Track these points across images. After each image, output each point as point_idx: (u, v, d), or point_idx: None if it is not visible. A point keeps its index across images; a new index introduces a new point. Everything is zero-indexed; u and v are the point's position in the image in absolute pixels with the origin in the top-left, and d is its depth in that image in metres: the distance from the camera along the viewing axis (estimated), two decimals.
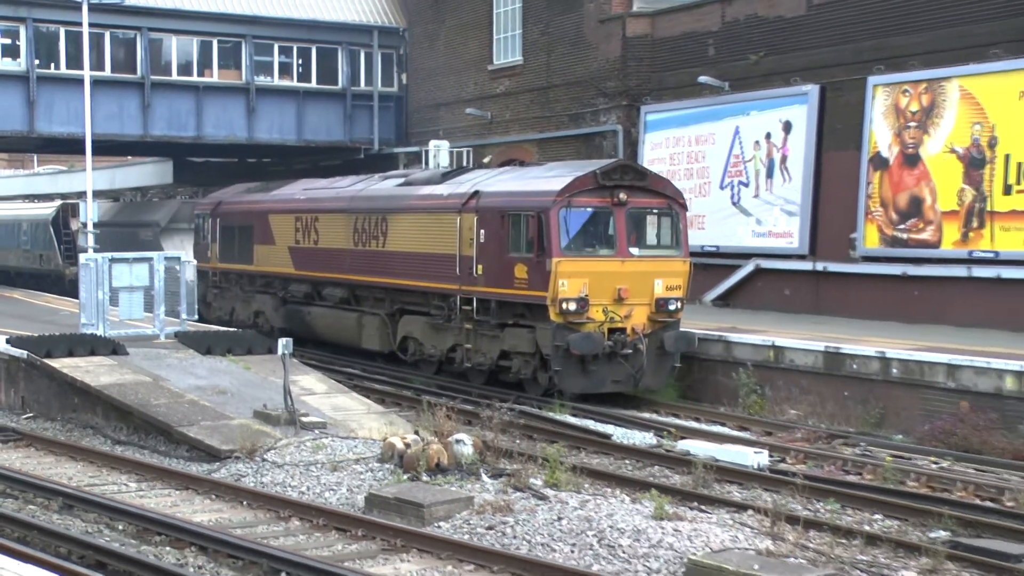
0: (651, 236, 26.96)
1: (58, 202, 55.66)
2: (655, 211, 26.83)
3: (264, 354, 27.27)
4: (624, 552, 15.33)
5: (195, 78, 50.76)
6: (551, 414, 25.79)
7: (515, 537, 16.14)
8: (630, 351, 25.19)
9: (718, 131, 38.64)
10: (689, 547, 15.24)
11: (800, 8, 37.31)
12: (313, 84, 52.98)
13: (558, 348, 25.08)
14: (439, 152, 47.50)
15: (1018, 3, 30.83)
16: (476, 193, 28.03)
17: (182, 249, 42.50)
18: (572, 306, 24.96)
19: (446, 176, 31.39)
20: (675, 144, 39.18)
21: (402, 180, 33.13)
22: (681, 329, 27.56)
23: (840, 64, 35.31)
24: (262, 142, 53.03)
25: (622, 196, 25.77)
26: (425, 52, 53.18)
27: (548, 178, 27.03)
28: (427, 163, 47.04)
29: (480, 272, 27.34)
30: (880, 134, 33.19)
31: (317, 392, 25.28)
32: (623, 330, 25.49)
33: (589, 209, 25.94)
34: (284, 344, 24.04)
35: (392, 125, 54.03)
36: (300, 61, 52.75)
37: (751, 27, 38.67)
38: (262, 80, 51.92)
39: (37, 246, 50.18)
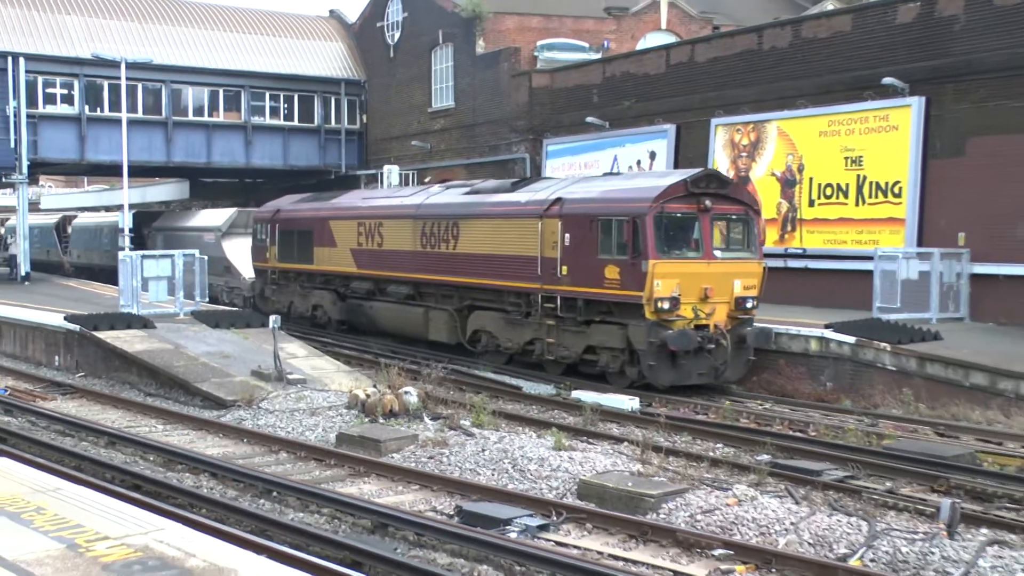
0: (731, 240, 23.44)
1: (131, 211, 54.51)
2: (734, 216, 23.33)
3: (259, 327, 27.08)
4: (532, 474, 15.45)
5: (206, 118, 50.97)
6: (477, 371, 25.87)
7: (450, 464, 16.30)
8: (714, 346, 21.95)
9: (601, 158, 38.76)
10: (580, 470, 15.24)
11: (661, 67, 37.68)
12: (295, 122, 53.16)
13: (652, 344, 21.71)
14: (391, 174, 47.86)
15: (817, 67, 31.35)
16: (559, 200, 24.30)
17: (240, 250, 40.73)
18: (666, 305, 21.54)
19: (516, 185, 27.48)
20: (569, 168, 39.26)
21: (468, 189, 29.30)
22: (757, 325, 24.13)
23: (690, 109, 35.63)
24: (257, 166, 53.25)
25: (707, 203, 22.43)
26: (380, 98, 53.29)
27: (637, 186, 23.48)
28: (382, 183, 47.32)
29: (565, 272, 23.57)
30: (720, 161, 33.44)
31: (299, 356, 25.27)
32: (706, 326, 22.08)
33: (679, 214, 22.55)
34: (274, 320, 24.23)
35: (355, 153, 54.26)
36: (285, 105, 52.97)
37: (624, 81, 38.95)
38: (257, 119, 52.07)
39: (114, 247, 48.17)
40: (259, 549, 10.14)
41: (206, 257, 39.17)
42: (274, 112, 52.58)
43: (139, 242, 46.45)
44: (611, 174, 27.88)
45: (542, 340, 24.74)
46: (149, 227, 49.61)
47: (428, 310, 28.98)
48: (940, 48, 28.30)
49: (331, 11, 57.96)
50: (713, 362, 22.24)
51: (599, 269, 22.63)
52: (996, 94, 27.04)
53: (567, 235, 23.57)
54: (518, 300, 25.45)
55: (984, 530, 12.88)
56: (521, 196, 26.00)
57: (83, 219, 58.55)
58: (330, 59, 54.34)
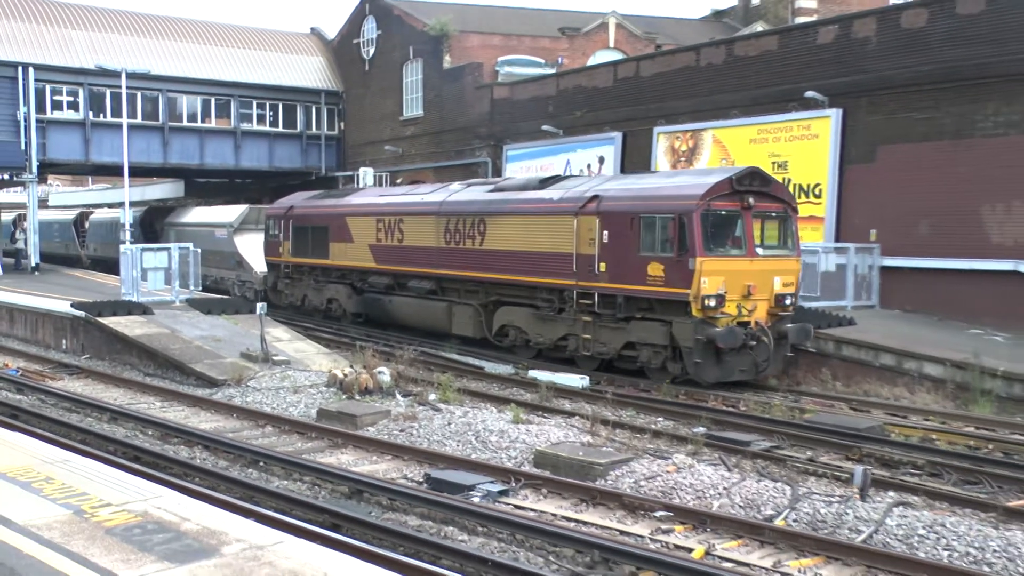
0: (771, 237, 21.29)
1: (144, 209, 53.15)
2: (773, 214, 21.21)
3: (247, 314, 26.93)
4: (493, 445, 15.48)
5: (199, 124, 50.75)
6: (443, 353, 25.70)
7: (419, 436, 16.29)
8: (755, 343, 19.99)
9: (555, 162, 38.76)
10: (536, 441, 15.26)
11: (609, 81, 37.73)
12: (280, 128, 52.98)
13: (698, 341, 19.59)
14: (366, 176, 47.76)
15: (748, 81, 31.50)
16: (595, 197, 21.95)
17: (251, 245, 38.47)
18: (712, 302, 19.49)
19: (544, 183, 24.95)
20: (526, 171, 39.24)
21: (492, 187, 26.82)
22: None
23: (635, 118, 35.71)
24: (245, 168, 53.05)
25: (751, 200, 20.41)
26: (356, 107, 53.17)
27: (682, 184, 21.19)
28: (358, 183, 47.12)
29: (603, 269, 21.39)
30: (662, 165, 33.50)
31: (283, 339, 25.14)
32: (748, 323, 20.03)
33: (724, 212, 20.33)
34: (261, 307, 24.28)
35: (334, 157, 54.25)
36: (271, 113, 52.76)
37: (577, 93, 38.99)
38: (245, 126, 51.87)
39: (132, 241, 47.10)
40: (247, 513, 10.10)
41: (216, 250, 38.94)
42: (260, 119, 52.46)
43: (152, 237, 45.69)
44: (647, 172, 25.08)
45: (577, 336, 22.59)
46: (162, 223, 48.40)
47: (452, 305, 26.75)
48: (855, 66, 28.53)
49: (312, 28, 57.89)
50: (755, 358, 20.31)
51: (641, 266, 20.58)
52: (903, 107, 27.30)
53: (605, 232, 21.46)
54: (550, 296, 23.26)
55: (891, 493, 13.02)
56: (552, 193, 23.80)
57: (99, 215, 57.46)
58: (311, 72, 54.25)
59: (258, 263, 37.54)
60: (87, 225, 58.92)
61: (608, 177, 24.20)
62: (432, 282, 27.38)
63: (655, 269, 20.30)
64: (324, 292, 32.63)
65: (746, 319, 19.94)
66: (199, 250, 31.58)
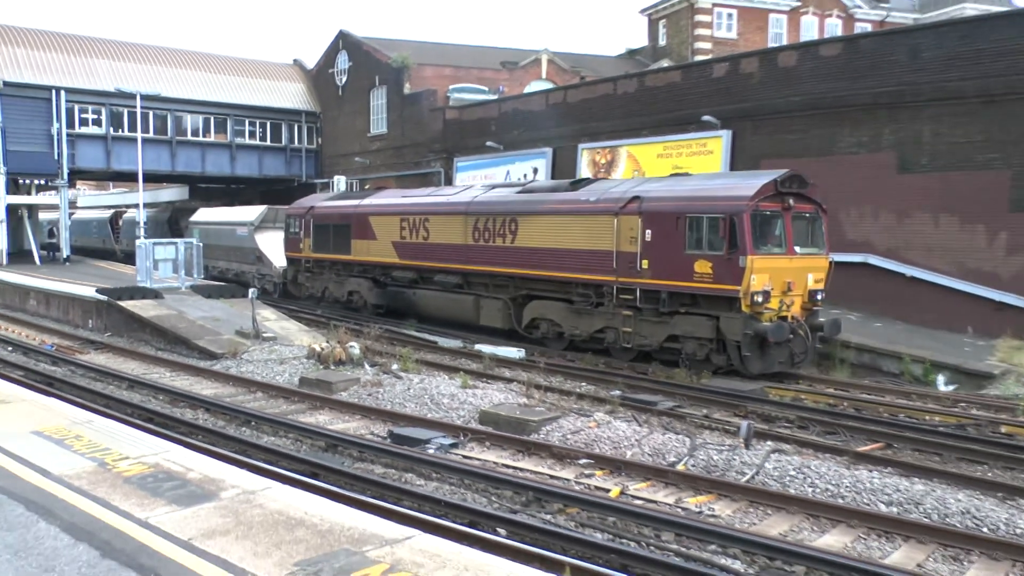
0: (805, 236, 19.26)
1: (172, 208, 51.98)
2: (807, 215, 19.27)
3: (242, 298, 26.64)
4: (445, 406, 15.47)
5: (200, 138, 50.41)
6: (404, 330, 25.41)
7: (383, 399, 16.25)
8: (792, 336, 18.11)
9: (497, 172, 38.74)
10: (481, 403, 15.29)
11: (542, 106, 37.79)
12: (268, 143, 52.67)
13: (747, 335, 17.75)
14: (339, 182, 47.58)
15: (656, 107, 31.76)
16: (636, 198, 19.86)
17: (270, 242, 36.51)
18: (760, 298, 17.73)
19: (576, 185, 22.69)
20: (473, 180, 39.22)
21: (519, 189, 24.45)
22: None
23: (563, 137, 35.80)
24: (239, 176, 52.70)
25: (791, 201, 18.61)
26: (331, 125, 52.87)
27: (729, 185, 19.09)
28: (333, 188, 46.86)
29: (646, 266, 19.31)
30: (586, 175, 33.64)
31: (271, 319, 24.87)
32: (786, 318, 18.13)
33: (768, 212, 18.36)
34: (252, 293, 23.88)
35: (313, 166, 54.00)
36: (260, 130, 52.39)
37: (516, 115, 38.99)
38: (239, 140, 51.52)
39: (155, 236, 45.34)
40: (241, 464, 10.07)
41: (237, 247, 37.81)
42: (252, 135, 52.20)
43: (178, 233, 44.79)
44: (682, 176, 22.25)
45: (615, 329, 20.40)
46: (186, 221, 46.87)
47: (479, 298, 24.38)
48: (742, 96, 28.86)
49: (294, 60, 57.44)
50: (792, 350, 18.51)
51: (687, 264, 18.52)
52: (779, 129, 27.68)
53: (648, 231, 19.37)
54: (586, 291, 21.03)
55: (769, 442, 13.23)
56: (586, 195, 21.54)
57: (131, 214, 56.31)
58: (294, 96, 54.10)
59: (277, 258, 35.77)
60: (120, 223, 57.78)
61: (642, 180, 21.87)
62: (459, 277, 25.11)
63: (703, 266, 18.33)
64: (345, 285, 30.29)
65: (784, 314, 18.20)
66: (201, 244, 31.27)
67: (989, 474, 12.17)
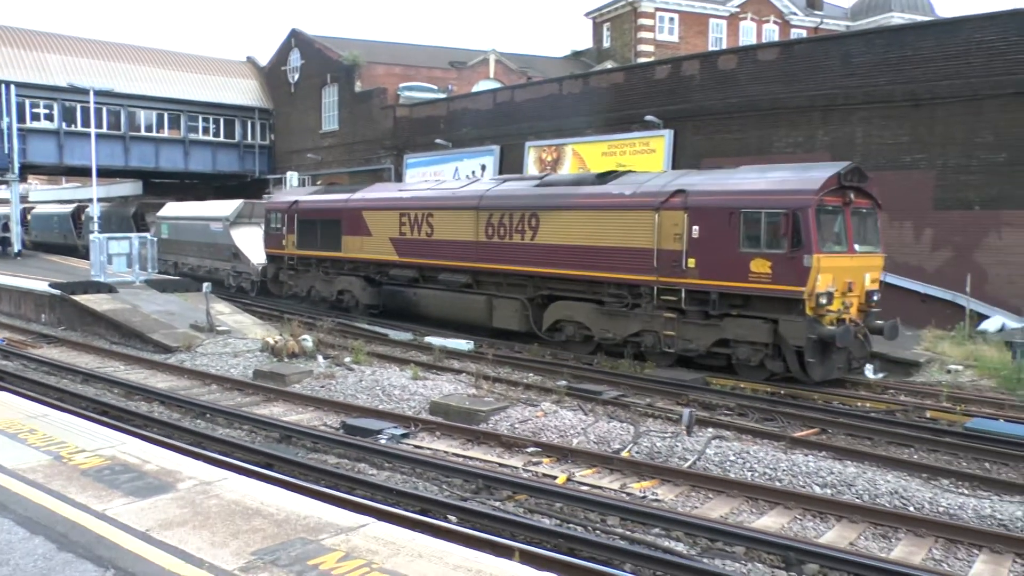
0: (863, 233, 17.21)
1: (138, 203, 49.91)
2: (864, 211, 17.26)
3: (196, 292, 26.22)
4: (396, 397, 15.41)
5: (154, 134, 49.69)
6: (356, 323, 25.09)
7: (336, 391, 16.14)
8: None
9: (446, 169, 38.69)
10: (431, 394, 15.25)
11: (490, 105, 37.84)
12: (221, 139, 52.14)
13: (811, 340, 15.89)
14: (292, 178, 47.15)
15: (600, 107, 31.93)
16: (680, 192, 17.73)
17: (247, 237, 33.94)
18: (824, 300, 15.84)
19: (603, 178, 20.37)
20: (422, 176, 39.12)
21: (537, 182, 22.10)
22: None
23: (511, 135, 35.86)
24: (193, 171, 51.98)
25: (852, 196, 16.67)
26: (284, 122, 52.41)
27: (790, 178, 16.79)
28: (286, 185, 46.43)
29: (692, 265, 17.29)
30: (532, 172, 33.75)
31: (225, 313, 24.57)
32: (844, 320, 16.36)
33: (830, 208, 16.38)
34: (207, 287, 23.57)
35: (266, 162, 53.56)
36: (214, 126, 51.83)
37: (464, 114, 38.96)
38: (192, 136, 50.90)
39: (120, 231, 41.82)
40: (198, 456, 9.93)
41: (211, 243, 35.37)
42: (205, 130, 51.61)
43: (143, 229, 42.25)
44: (730, 169, 19.57)
45: (655, 332, 18.38)
46: (153, 216, 43.96)
47: (492, 298, 22.20)
48: (683, 97, 29.15)
49: (248, 57, 56.81)
50: (849, 355, 16.86)
51: (742, 263, 16.57)
52: (719, 129, 28.02)
53: (695, 227, 17.36)
54: (620, 291, 19.03)
55: (710, 429, 13.38)
56: (619, 188, 19.45)
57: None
58: (247, 92, 53.53)
59: (255, 255, 33.33)
60: (83, 218, 56.54)
61: (681, 173, 19.58)
62: (468, 276, 22.82)
63: (760, 266, 16.37)
64: (335, 284, 27.77)
65: (843, 316, 16.48)
66: (156, 239, 30.65)
67: (915, 456, 12.49)
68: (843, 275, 16.37)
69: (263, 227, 31.56)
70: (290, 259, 29.68)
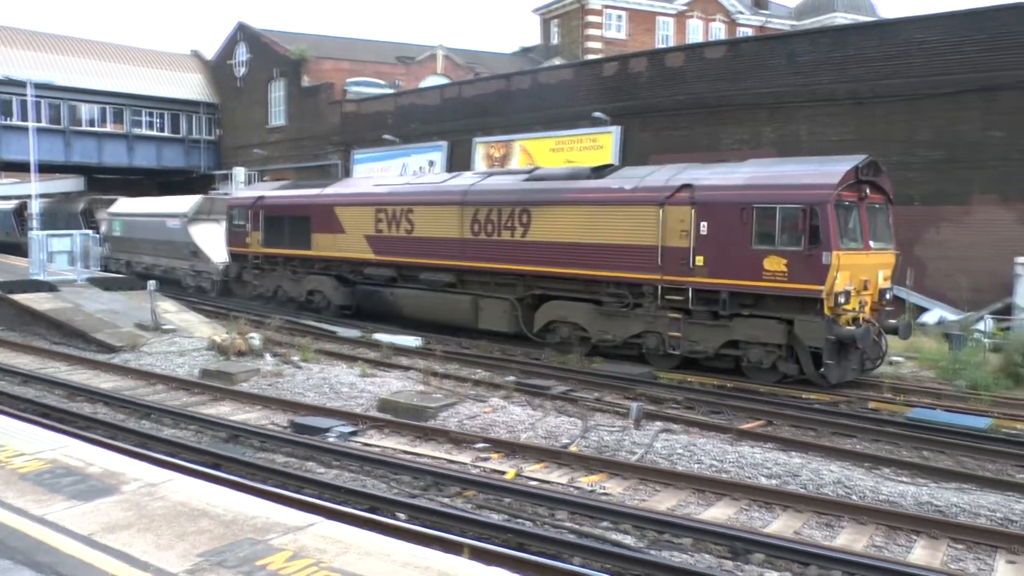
0: (876, 229, 16.47)
1: (87, 199, 48.13)
2: (877, 205, 16.57)
3: (140, 290, 25.74)
4: (345, 395, 15.31)
5: (96, 128, 48.89)
6: (304, 320, 24.67)
7: (284, 389, 15.96)
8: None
9: (394, 165, 38.57)
10: (380, 391, 15.17)
11: (437, 100, 37.78)
12: (166, 133, 51.46)
13: (829, 341, 15.22)
14: (239, 174, 46.58)
15: (548, 103, 32.05)
16: (687, 186, 16.91)
17: (207, 235, 32.33)
18: (842, 299, 15.23)
19: (600, 172, 19.41)
20: (369, 172, 38.94)
21: (527, 176, 20.88)
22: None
23: (459, 131, 35.84)
24: (137, 167, 51.18)
25: (867, 191, 15.99)
26: (230, 117, 51.82)
27: (805, 172, 16.07)
28: (232, 180, 45.94)
29: (701, 263, 16.50)
30: (480, 168, 33.75)
31: (171, 311, 24.16)
32: (857, 319, 15.73)
33: (847, 203, 15.67)
34: (152, 285, 23.17)
35: (212, 158, 52.91)
36: (158, 120, 51.15)
37: (412, 109, 38.85)
38: (136, 131, 50.16)
39: (68, 228, 40.89)
40: (143, 457, 9.78)
41: (168, 240, 33.50)
42: (150, 125, 50.86)
43: (93, 226, 40.13)
44: (737, 162, 18.72)
45: (658, 334, 17.58)
46: (104, 212, 41.96)
47: (478, 298, 21.13)
48: (631, 93, 29.37)
49: (193, 51, 56.07)
50: (865, 356, 16.33)
51: (755, 260, 15.83)
52: (667, 126, 28.29)
53: (703, 223, 16.53)
54: (620, 291, 18.17)
55: (658, 423, 13.47)
56: (618, 182, 18.49)
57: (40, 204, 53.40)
58: (192, 86, 52.84)
59: (216, 253, 31.60)
60: (27, 214, 55.05)
61: (684, 166, 18.47)
62: (452, 275, 21.68)
63: (775, 263, 15.63)
64: (304, 284, 26.39)
65: (858, 315, 15.87)
66: (99, 235, 29.99)
67: (859, 446, 12.74)
68: (859, 273, 15.78)
69: (224, 224, 30.05)
70: (255, 258, 28.27)
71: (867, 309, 16.13)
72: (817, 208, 15.18)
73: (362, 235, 24.05)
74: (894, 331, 16.56)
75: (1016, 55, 21.62)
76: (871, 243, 16.24)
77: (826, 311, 15.24)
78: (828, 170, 15.85)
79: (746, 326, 16.34)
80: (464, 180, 22.48)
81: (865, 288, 15.96)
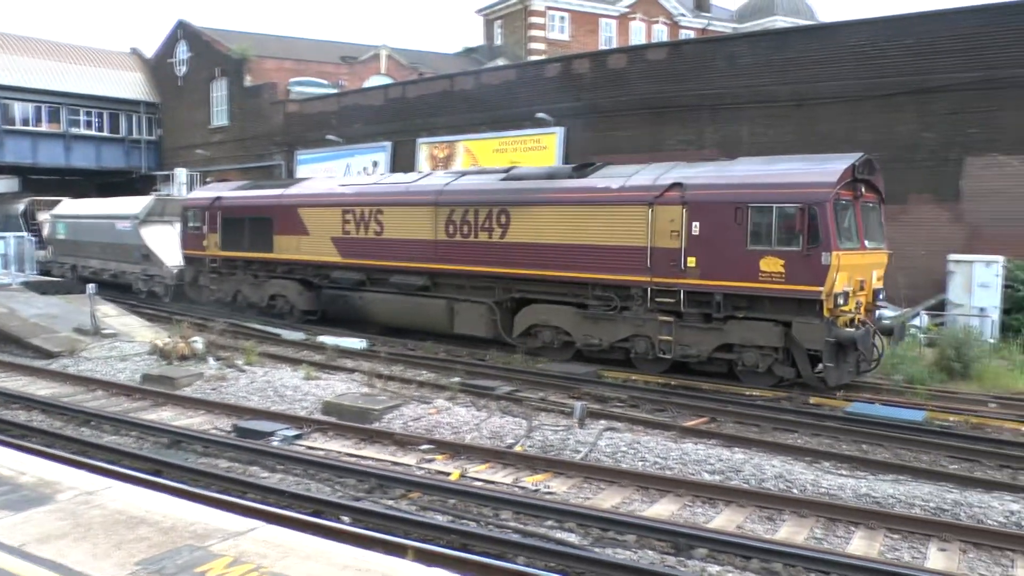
0: (870, 229, 16.32)
1: (27, 200, 46.04)
2: (871, 204, 16.40)
3: (79, 294, 25.11)
4: (289, 398, 15.15)
5: (31, 128, 47.83)
6: (248, 323, 24.30)
7: (228, 394, 15.76)
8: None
9: (337, 165, 38.31)
10: (324, 394, 15.06)
11: (381, 100, 37.63)
12: (106, 133, 50.57)
13: (828, 343, 14.92)
14: (180, 175, 45.96)
15: (492, 104, 32.10)
16: (677, 185, 16.41)
17: (159, 237, 30.51)
18: (841, 300, 14.96)
19: (581, 171, 18.76)
20: (313, 173, 38.63)
21: (504, 176, 20.19)
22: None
23: (402, 131, 35.73)
24: (75, 167, 50.06)
25: (862, 189, 15.75)
26: (172, 116, 51.09)
27: (803, 170, 15.67)
28: (174, 181, 45.28)
29: (693, 264, 16.04)
30: (425, 169, 33.64)
31: (112, 315, 23.66)
32: (854, 320, 15.37)
33: (844, 202, 15.38)
34: (91, 289, 22.61)
35: (153, 158, 52.14)
36: (97, 120, 50.22)
37: (355, 110, 38.63)
38: (74, 130, 49.13)
39: (10, 230, 38.31)
40: (80, 465, 9.61)
41: (118, 243, 31.74)
42: (88, 124, 49.84)
43: (34, 229, 38.70)
44: (729, 160, 18.25)
45: (647, 338, 17.03)
46: (47, 214, 39.71)
47: (453, 302, 20.27)
48: (574, 95, 29.52)
49: (132, 49, 55.12)
50: (860, 358, 15.87)
51: (750, 261, 15.43)
52: (611, 127, 28.49)
53: (696, 223, 16.06)
54: (606, 294, 17.56)
55: (602, 421, 13.56)
56: (603, 182, 17.86)
57: None
58: (132, 85, 51.96)
59: (169, 257, 29.95)
60: None
61: (672, 165, 17.96)
62: (425, 278, 20.80)
63: (771, 264, 15.27)
64: (266, 288, 25.20)
65: (855, 316, 15.50)
66: (34, 239, 29.25)
67: (800, 441, 12.97)
68: (856, 273, 15.53)
69: (179, 226, 28.71)
70: (212, 261, 26.91)
71: (862, 310, 15.79)
72: (816, 207, 14.86)
73: (328, 237, 23.15)
74: (889, 332, 16.22)
75: (944, 59, 22.20)
76: (866, 243, 16.02)
77: (825, 313, 14.94)
78: (826, 168, 15.54)
79: (741, 329, 15.94)
80: (436, 180, 21.72)
81: (861, 289, 15.74)
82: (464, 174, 21.78)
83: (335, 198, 23.22)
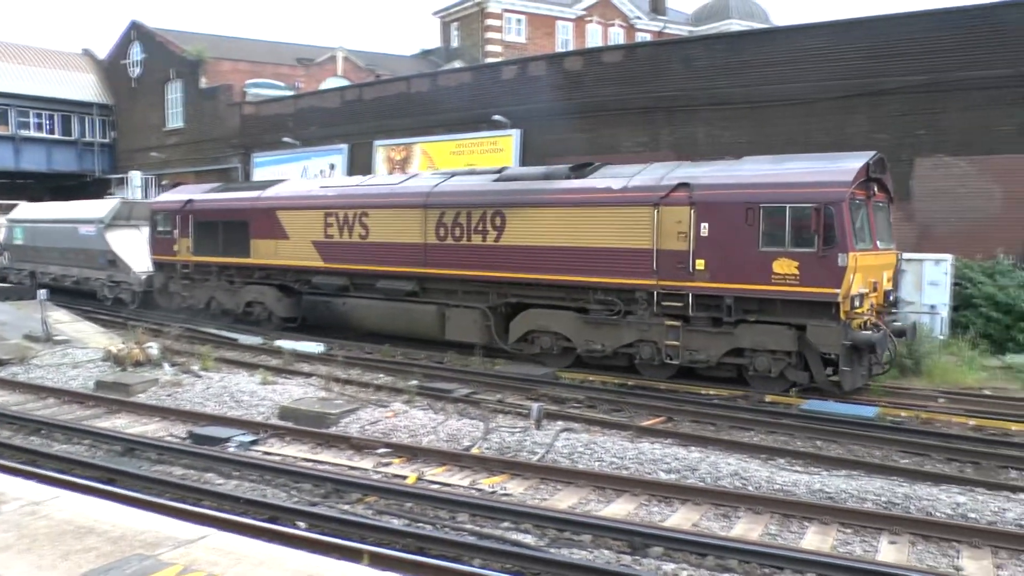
0: (881, 229, 15.88)
1: None
2: (881, 204, 15.96)
3: (31, 300, 24.61)
4: (245, 404, 14.98)
5: None
6: (203, 328, 23.97)
7: (183, 400, 15.52)
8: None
9: (294, 168, 38.05)
10: (281, 399, 14.93)
11: (337, 103, 37.49)
12: (57, 136, 49.90)
13: (845, 347, 14.52)
14: (135, 178, 45.41)
15: (449, 106, 32.11)
16: (684, 185, 15.80)
17: (126, 242, 29.19)
18: (858, 302, 14.54)
19: (579, 171, 18.13)
20: (270, 176, 38.34)
21: (497, 176, 19.51)
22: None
23: (359, 134, 35.60)
24: (25, 170, 49.23)
25: (875, 188, 15.38)
26: (126, 119, 50.46)
27: (818, 169, 15.15)
28: (128, 184, 44.68)
29: (702, 267, 15.47)
30: (381, 171, 33.58)
31: (64, 321, 23.27)
32: (867, 322, 14.99)
33: (858, 201, 14.90)
34: (42, 294, 22.26)
35: (107, 161, 51.46)
36: (48, 122, 49.52)
37: (312, 112, 38.43)
38: (24, 132, 48.39)
39: None
40: (29, 475, 9.44)
41: (82, 248, 30.50)
42: (38, 127, 49.08)
43: None
44: (736, 159, 17.22)
45: (653, 343, 16.48)
46: (1, 218, 37.65)
47: (445, 308, 19.61)
48: (530, 97, 29.60)
49: (84, 49, 54.33)
50: (873, 360, 15.59)
51: (763, 263, 14.92)
52: (568, 129, 28.60)
53: (704, 224, 15.48)
54: (608, 298, 16.96)
55: (559, 422, 13.58)
56: (604, 182, 17.22)
57: None
58: (84, 87, 51.29)
59: (137, 262, 28.66)
60: None
61: (677, 164, 17.46)
62: (413, 283, 20.09)
63: (785, 266, 14.78)
64: (242, 294, 24.27)
65: (868, 318, 15.14)
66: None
67: (755, 439, 13.11)
68: (869, 274, 15.13)
69: (147, 230, 27.53)
70: (184, 267, 25.72)
71: (874, 312, 15.42)
72: (831, 207, 14.38)
73: (309, 241, 22.19)
74: (901, 334, 15.98)
75: (894, 62, 22.59)
76: (878, 243, 15.66)
77: (842, 315, 14.50)
78: (841, 167, 15.06)
79: (752, 333, 15.43)
80: (425, 181, 21.00)
81: (874, 290, 15.37)
82: (454, 175, 21.14)
83: (316, 200, 22.35)
